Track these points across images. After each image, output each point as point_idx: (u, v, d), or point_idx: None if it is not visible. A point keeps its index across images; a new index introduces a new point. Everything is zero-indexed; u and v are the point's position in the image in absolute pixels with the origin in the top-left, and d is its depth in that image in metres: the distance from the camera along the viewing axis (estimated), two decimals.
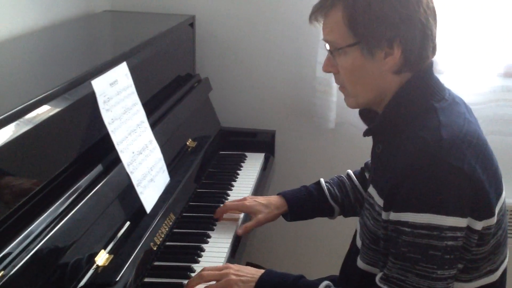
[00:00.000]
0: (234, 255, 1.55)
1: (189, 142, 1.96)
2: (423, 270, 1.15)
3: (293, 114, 2.43)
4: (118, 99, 1.46)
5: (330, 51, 1.28)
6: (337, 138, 2.42)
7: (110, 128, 1.40)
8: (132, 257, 1.29)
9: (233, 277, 1.30)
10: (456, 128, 1.19)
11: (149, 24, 2.17)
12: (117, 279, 1.21)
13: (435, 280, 1.15)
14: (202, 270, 1.35)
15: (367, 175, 1.64)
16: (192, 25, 2.25)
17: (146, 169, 1.52)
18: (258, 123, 2.40)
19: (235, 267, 1.34)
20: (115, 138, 1.41)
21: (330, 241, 2.49)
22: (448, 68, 2.20)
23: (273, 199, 1.66)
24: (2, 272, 0.99)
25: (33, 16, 1.92)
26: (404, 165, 1.17)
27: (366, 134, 1.35)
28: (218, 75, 2.39)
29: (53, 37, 1.88)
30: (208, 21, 2.35)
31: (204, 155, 2.00)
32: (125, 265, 1.25)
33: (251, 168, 2.11)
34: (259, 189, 1.98)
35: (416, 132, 1.19)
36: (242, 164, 2.12)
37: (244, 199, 1.68)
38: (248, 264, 1.73)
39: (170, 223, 1.59)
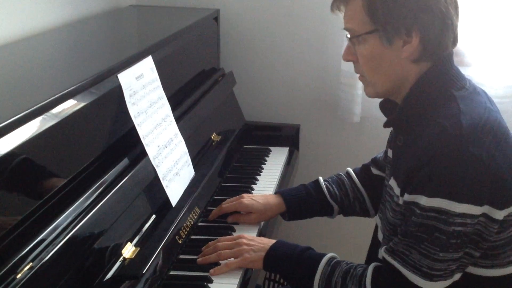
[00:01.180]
0: None
1: (213, 136, 1.96)
2: (426, 250, 1.17)
3: (317, 108, 2.42)
4: (143, 92, 1.47)
5: (349, 39, 1.30)
6: (362, 132, 2.40)
7: (136, 121, 1.40)
8: (158, 250, 1.30)
9: (245, 246, 1.37)
10: (476, 116, 1.18)
11: (174, 18, 2.18)
12: (144, 272, 1.22)
13: (436, 261, 1.16)
14: (217, 241, 1.42)
15: (373, 170, 1.63)
16: (216, 19, 2.25)
17: (172, 163, 1.52)
18: (283, 117, 2.39)
19: (248, 237, 1.42)
20: (141, 131, 1.42)
21: (355, 234, 2.48)
22: (476, 61, 2.17)
23: (271, 199, 1.63)
24: (31, 263, 1.00)
25: (60, 11, 1.94)
26: (423, 151, 1.17)
27: (386, 125, 1.36)
28: (242, 69, 2.39)
29: (80, 32, 1.90)
30: (233, 15, 2.34)
31: (228, 149, 2.00)
32: (151, 258, 1.26)
33: (275, 162, 2.10)
34: (283, 184, 1.97)
35: (436, 120, 1.20)
36: (266, 158, 2.12)
37: (241, 196, 1.64)
38: None
39: (195, 217, 1.59)
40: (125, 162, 1.39)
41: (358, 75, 1.34)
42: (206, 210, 1.68)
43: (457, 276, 1.21)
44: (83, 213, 1.17)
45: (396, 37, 1.22)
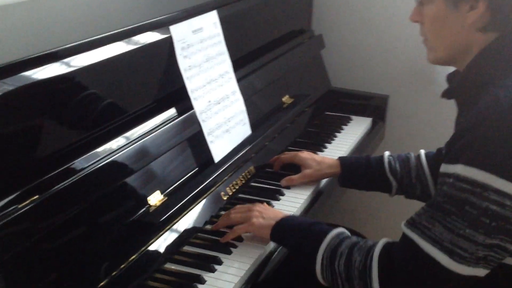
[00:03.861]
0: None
1: (285, 99, 1.92)
2: (452, 224, 1.05)
3: (410, 80, 2.27)
4: (200, 47, 1.47)
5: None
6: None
7: (185, 74, 1.41)
8: (183, 202, 1.31)
9: (256, 213, 1.35)
10: None
11: None
12: (161, 220, 1.24)
13: (460, 236, 1.04)
14: (232, 209, 1.40)
15: None
16: None
17: (223, 120, 1.52)
18: (372, 86, 2.28)
19: (262, 205, 1.40)
20: (190, 85, 1.42)
21: None
22: None
23: (328, 159, 1.66)
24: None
25: None
26: (470, 118, 1.07)
27: (444, 95, 1.27)
28: (335, 32, 2.30)
29: None
30: None
31: (304, 113, 1.96)
32: (173, 208, 1.28)
33: (352, 132, 2.02)
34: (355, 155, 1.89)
35: (492, 89, 1.08)
36: (343, 126, 2.04)
37: (301, 152, 1.68)
38: None
39: (249, 176, 1.59)
40: (173, 110, 1.40)
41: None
42: (264, 171, 1.67)
43: (482, 272, 1.06)
44: (120, 148, 1.21)
45: (463, 1, 1.14)
